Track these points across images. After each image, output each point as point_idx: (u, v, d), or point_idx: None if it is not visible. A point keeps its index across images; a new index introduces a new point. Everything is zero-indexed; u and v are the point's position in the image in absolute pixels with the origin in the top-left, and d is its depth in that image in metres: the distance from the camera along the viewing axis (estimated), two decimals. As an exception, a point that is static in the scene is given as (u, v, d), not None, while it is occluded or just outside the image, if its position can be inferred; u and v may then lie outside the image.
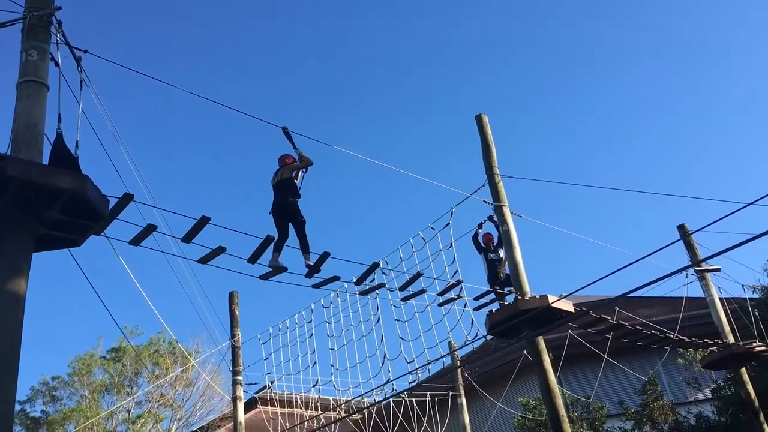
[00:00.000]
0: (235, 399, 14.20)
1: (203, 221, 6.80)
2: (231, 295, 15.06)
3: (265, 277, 8.72)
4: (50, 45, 6.40)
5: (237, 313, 14.87)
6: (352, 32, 64.19)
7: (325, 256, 8.88)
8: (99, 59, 6.86)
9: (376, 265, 9.49)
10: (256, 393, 14.68)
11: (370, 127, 62.94)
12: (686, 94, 57.79)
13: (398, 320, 11.24)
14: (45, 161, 5.94)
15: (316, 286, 8.99)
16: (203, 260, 7.33)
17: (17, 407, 28.61)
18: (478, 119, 11.18)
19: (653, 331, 12.05)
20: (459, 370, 18.78)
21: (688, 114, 57.35)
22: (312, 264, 8.98)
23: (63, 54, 6.71)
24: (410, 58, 63.03)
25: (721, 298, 15.22)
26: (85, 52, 6.72)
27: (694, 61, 56.63)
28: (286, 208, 9.24)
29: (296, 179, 9.58)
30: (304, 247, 9.20)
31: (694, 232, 14.85)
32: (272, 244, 8.44)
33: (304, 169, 9.62)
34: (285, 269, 8.74)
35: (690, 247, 15.16)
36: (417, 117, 62.71)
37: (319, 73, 63.29)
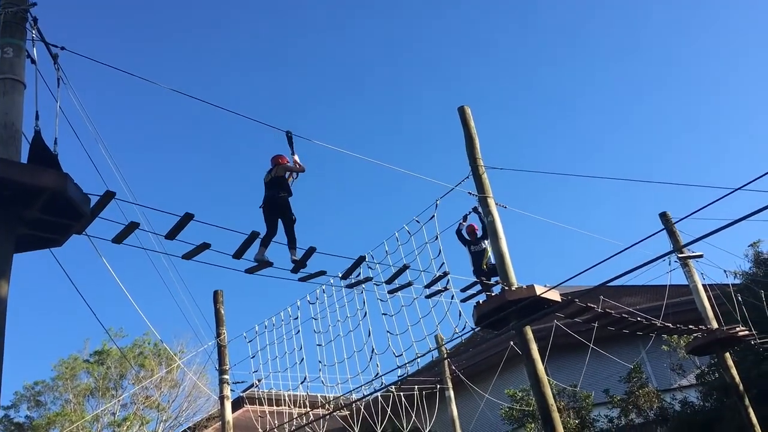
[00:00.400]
0: (222, 398, 14.10)
1: (187, 218, 6.70)
2: (216, 294, 14.94)
3: (250, 270, 8.70)
4: (26, 42, 6.29)
5: (222, 312, 14.76)
6: (334, 25, 63.86)
7: (311, 251, 8.88)
8: (76, 56, 6.74)
9: (362, 259, 9.46)
10: (243, 392, 14.60)
11: (352, 121, 62.69)
12: (658, 85, 58.19)
13: (385, 314, 11.19)
14: (24, 160, 5.84)
15: (302, 279, 8.94)
16: (187, 256, 7.23)
17: (1, 413, 28.32)
18: (461, 111, 11.14)
19: (638, 319, 12.10)
20: (446, 363, 18.79)
21: (664, 102, 57.71)
22: (298, 259, 8.99)
23: (39, 51, 6.60)
24: (392, 51, 62.84)
25: (704, 285, 15.33)
26: (62, 48, 6.60)
27: (669, 51, 57.01)
28: (277, 204, 9.30)
29: (288, 180, 9.67)
30: (292, 243, 9.24)
31: (678, 221, 14.98)
32: (259, 239, 8.44)
33: (295, 174, 9.71)
34: (270, 264, 8.73)
35: (672, 234, 15.26)
36: (399, 109, 62.57)
37: (300, 67, 62.84)
